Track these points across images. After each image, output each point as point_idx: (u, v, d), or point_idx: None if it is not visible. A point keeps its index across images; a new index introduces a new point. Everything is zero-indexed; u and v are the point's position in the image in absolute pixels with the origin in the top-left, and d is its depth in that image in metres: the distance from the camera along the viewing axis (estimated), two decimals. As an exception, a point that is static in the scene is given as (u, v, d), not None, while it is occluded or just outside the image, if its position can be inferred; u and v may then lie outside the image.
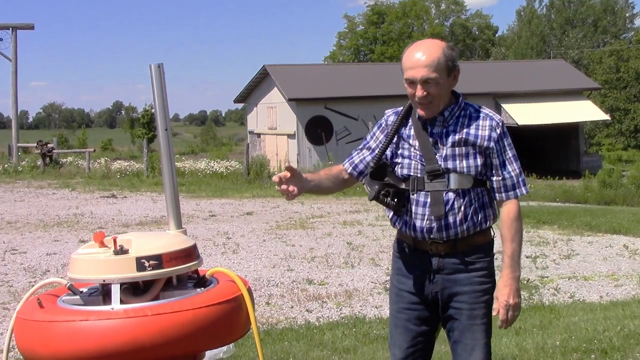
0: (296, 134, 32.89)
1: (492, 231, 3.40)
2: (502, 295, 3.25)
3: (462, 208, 3.25)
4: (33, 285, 3.21)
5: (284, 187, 3.20)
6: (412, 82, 3.20)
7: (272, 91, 35.35)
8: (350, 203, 17.88)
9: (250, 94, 39.06)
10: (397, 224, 3.41)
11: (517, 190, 3.30)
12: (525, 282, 8.62)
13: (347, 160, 3.55)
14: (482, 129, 3.26)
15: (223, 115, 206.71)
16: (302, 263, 10.05)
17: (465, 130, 3.26)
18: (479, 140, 3.25)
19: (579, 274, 9.30)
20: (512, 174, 3.29)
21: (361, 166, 3.47)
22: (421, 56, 3.17)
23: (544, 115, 34.28)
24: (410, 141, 3.33)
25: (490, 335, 3.37)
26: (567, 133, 36.39)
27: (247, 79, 40.68)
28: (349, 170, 3.51)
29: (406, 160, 3.34)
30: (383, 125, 3.46)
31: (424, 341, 3.46)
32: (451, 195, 3.25)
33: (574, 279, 8.97)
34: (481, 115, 3.30)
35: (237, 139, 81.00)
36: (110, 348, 2.59)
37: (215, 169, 26.90)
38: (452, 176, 3.24)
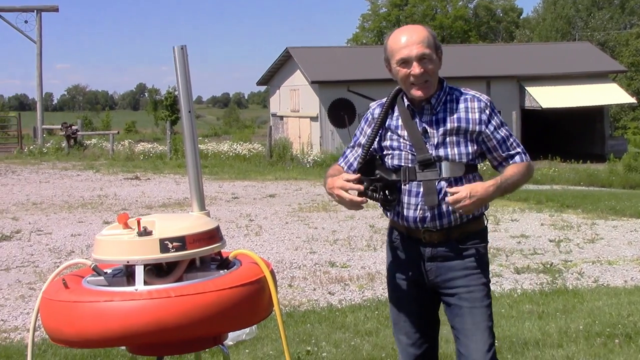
0: (319, 116, 32.83)
1: (485, 219, 3.38)
2: (475, 186, 3.10)
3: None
4: (58, 266, 3.24)
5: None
6: (405, 62, 3.17)
7: (295, 74, 35.28)
8: (373, 186, 17.84)
9: (273, 76, 39.02)
10: (389, 214, 3.40)
11: (525, 156, 3.34)
12: (548, 266, 8.59)
13: (341, 159, 3.50)
14: (472, 112, 3.24)
15: (246, 97, 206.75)
16: (324, 245, 10.06)
17: (455, 117, 3.23)
18: (470, 126, 3.23)
19: (603, 258, 9.24)
20: (514, 144, 3.32)
21: (356, 164, 3.37)
22: (411, 35, 3.18)
23: (568, 98, 33.96)
24: (399, 132, 3.29)
25: (491, 318, 3.32)
26: (592, 116, 36.03)
27: (270, 61, 40.67)
28: (345, 170, 3.44)
29: (396, 152, 3.30)
30: (370, 118, 3.43)
31: (428, 326, 3.46)
32: (443, 183, 3.22)
33: (598, 263, 8.91)
34: (468, 97, 3.28)
35: (259, 121, 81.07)
36: (134, 328, 2.61)
37: (238, 151, 26.96)
38: (444, 164, 3.21)
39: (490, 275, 3.46)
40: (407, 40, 3.16)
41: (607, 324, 5.91)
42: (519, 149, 3.32)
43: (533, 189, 16.86)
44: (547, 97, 34.04)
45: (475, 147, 3.25)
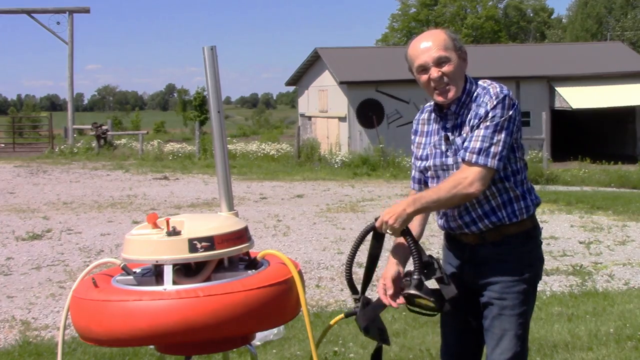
0: (347, 117, 32.78)
1: (531, 221, 3.25)
2: (387, 211, 3.07)
3: (481, 204, 3.17)
4: (88, 265, 3.27)
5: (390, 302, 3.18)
6: (424, 69, 3.14)
7: (324, 74, 35.27)
8: (401, 187, 17.82)
9: (302, 76, 39.04)
10: (435, 217, 3.41)
11: (468, 154, 3.05)
12: (578, 267, 8.51)
13: (411, 183, 3.46)
14: (479, 107, 3.10)
15: (274, 98, 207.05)
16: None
17: (468, 119, 3.14)
18: (477, 122, 3.09)
19: (634, 260, 9.13)
20: (474, 138, 3.05)
21: (422, 177, 3.39)
22: (427, 41, 3.15)
23: (599, 99, 33.60)
24: (431, 139, 3.28)
25: (523, 327, 3.21)
26: (623, 117, 35.61)
27: (298, 62, 40.63)
28: (417, 189, 3.40)
29: (427, 162, 3.29)
30: (413, 129, 3.43)
31: (472, 326, 3.38)
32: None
33: (628, 266, 8.81)
34: (481, 92, 3.13)
35: (288, 121, 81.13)
36: (163, 328, 2.63)
37: (266, 151, 27.01)
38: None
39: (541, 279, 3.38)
40: (424, 46, 3.13)
41: (638, 327, 5.84)
42: (472, 144, 3.05)
43: (562, 190, 16.72)
44: (577, 97, 33.70)
45: None
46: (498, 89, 3.10)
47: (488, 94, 3.10)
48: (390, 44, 70.17)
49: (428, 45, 3.12)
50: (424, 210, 3.09)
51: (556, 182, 19.99)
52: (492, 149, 3.03)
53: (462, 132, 3.15)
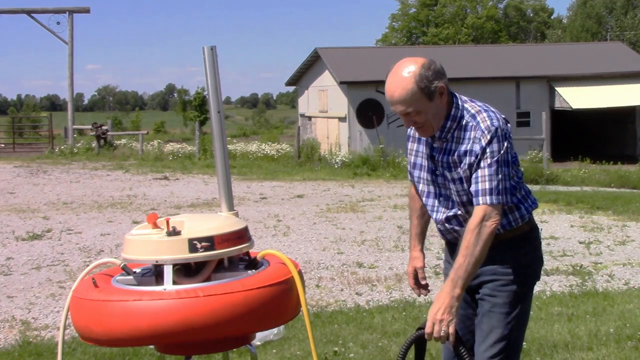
0: (347, 117, 32.78)
1: (527, 225, 3.27)
2: (433, 309, 2.99)
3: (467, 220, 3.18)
4: (88, 265, 3.27)
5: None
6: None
7: (324, 74, 35.27)
8: (401, 187, 17.82)
9: (302, 77, 39.04)
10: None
11: (481, 198, 3.05)
12: (578, 267, 8.51)
13: (409, 175, 3.48)
14: (468, 143, 3.09)
15: (274, 98, 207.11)
16: (352, 246, 10.06)
17: (455, 148, 3.13)
18: (465, 159, 3.10)
19: (634, 260, 9.13)
20: (480, 179, 3.05)
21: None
22: (393, 92, 3.06)
23: (599, 99, 33.60)
24: (423, 147, 3.29)
25: (513, 327, 3.21)
26: (623, 117, 35.61)
27: (298, 62, 40.61)
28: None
29: (420, 172, 3.33)
30: (408, 134, 3.43)
31: (468, 324, 3.39)
32: (454, 208, 3.23)
33: (629, 266, 8.81)
34: (473, 125, 3.09)
35: (288, 121, 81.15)
36: (163, 328, 2.63)
37: (266, 151, 27.02)
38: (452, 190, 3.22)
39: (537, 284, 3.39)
40: (390, 98, 3.08)
41: (638, 327, 5.85)
42: (481, 186, 3.06)
43: (562, 191, 16.73)
44: (577, 97, 33.70)
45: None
46: (489, 122, 3.08)
47: (479, 129, 3.07)
48: (391, 44, 70.17)
49: (394, 98, 3.07)
50: (469, 280, 3.05)
51: (556, 182, 19.99)
52: (500, 186, 3.05)
53: (443, 161, 3.17)
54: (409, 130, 3.37)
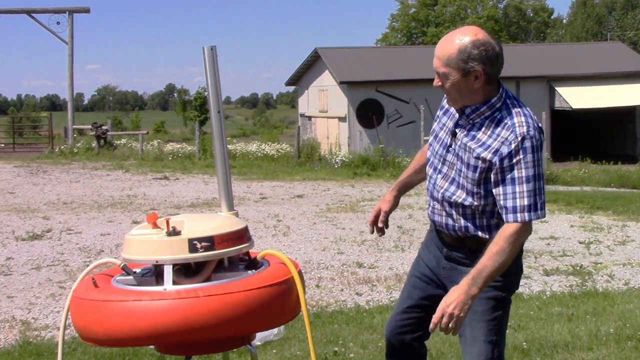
0: (347, 117, 32.77)
1: None
2: (446, 300, 2.95)
3: (466, 218, 3.19)
4: (88, 265, 3.27)
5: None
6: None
7: (324, 74, 35.26)
8: (401, 187, 17.79)
9: (302, 76, 39.02)
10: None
11: (519, 215, 3.00)
12: (578, 268, 8.51)
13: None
14: (496, 140, 3.03)
15: (274, 98, 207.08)
16: (352, 246, 10.05)
17: (480, 137, 3.08)
18: (483, 153, 3.04)
19: (634, 260, 9.13)
20: (518, 195, 2.99)
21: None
22: (439, 46, 3.07)
23: (599, 99, 33.58)
24: (448, 120, 3.27)
25: (496, 333, 3.21)
26: (623, 117, 35.59)
27: (298, 62, 40.64)
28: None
29: (435, 142, 3.33)
30: (441, 105, 3.42)
31: (420, 313, 3.43)
32: (453, 192, 3.22)
33: (629, 266, 8.81)
34: (507, 125, 3.04)
35: (288, 121, 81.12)
36: (163, 328, 2.63)
37: (266, 151, 27.00)
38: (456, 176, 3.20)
39: (521, 284, 3.39)
40: (436, 49, 3.08)
41: (638, 327, 5.84)
42: (519, 202, 3.00)
43: (562, 190, 16.72)
44: (577, 97, 33.69)
45: (484, 175, 3.08)
46: (525, 129, 3.02)
47: (514, 132, 3.01)
48: (391, 44, 70.16)
49: (437, 52, 3.07)
50: (487, 284, 3.02)
51: (556, 182, 19.99)
52: (539, 201, 3.03)
53: (463, 140, 3.13)
54: (443, 98, 3.35)
